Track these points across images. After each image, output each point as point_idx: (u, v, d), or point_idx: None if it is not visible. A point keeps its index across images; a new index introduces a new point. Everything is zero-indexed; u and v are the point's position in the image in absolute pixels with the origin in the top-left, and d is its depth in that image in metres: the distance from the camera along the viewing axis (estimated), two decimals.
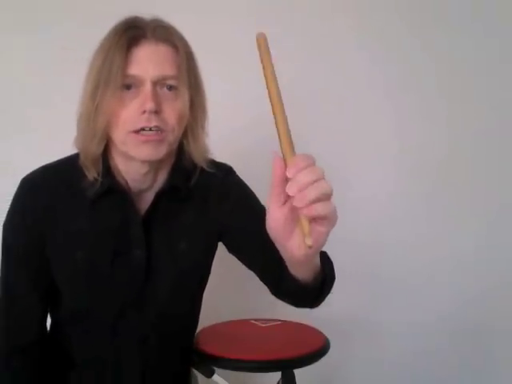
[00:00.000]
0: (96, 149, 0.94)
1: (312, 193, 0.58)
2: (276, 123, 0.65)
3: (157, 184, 1.00)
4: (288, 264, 0.76)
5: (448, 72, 1.96)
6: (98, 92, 0.90)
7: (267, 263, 0.95)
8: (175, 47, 0.92)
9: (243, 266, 1.52)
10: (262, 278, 1.06)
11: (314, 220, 0.60)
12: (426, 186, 1.95)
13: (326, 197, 0.59)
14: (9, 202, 1.76)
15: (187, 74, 0.92)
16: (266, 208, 0.66)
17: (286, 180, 0.60)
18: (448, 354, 1.95)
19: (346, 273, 1.94)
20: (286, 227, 0.63)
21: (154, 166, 0.97)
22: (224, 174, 1.08)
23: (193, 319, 1.17)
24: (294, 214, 0.62)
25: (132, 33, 0.90)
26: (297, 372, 1.16)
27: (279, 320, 1.36)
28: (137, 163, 0.95)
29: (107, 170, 0.97)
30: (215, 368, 1.21)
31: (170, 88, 0.91)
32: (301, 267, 0.77)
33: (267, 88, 0.70)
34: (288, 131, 0.63)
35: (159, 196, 0.99)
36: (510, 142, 1.99)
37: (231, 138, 1.68)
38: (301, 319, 1.35)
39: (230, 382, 1.24)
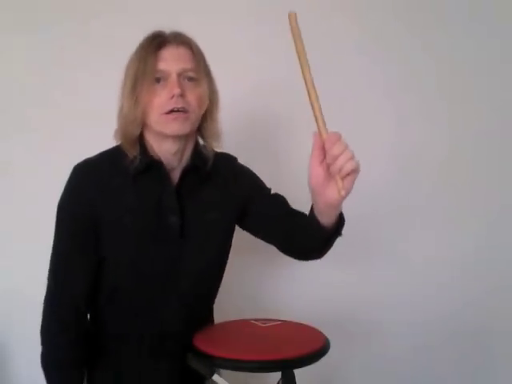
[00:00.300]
0: (136, 130, 1.17)
1: (343, 158, 0.91)
2: (313, 110, 0.94)
3: (182, 163, 1.22)
4: (321, 212, 1.05)
5: (448, 72, 1.96)
6: (137, 86, 1.13)
7: (285, 227, 1.25)
8: (191, 49, 1.17)
9: (242, 267, 1.52)
10: (282, 242, 1.30)
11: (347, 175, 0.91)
12: (426, 187, 1.95)
13: (353, 158, 0.91)
14: (8, 201, 1.76)
15: (203, 69, 1.18)
16: (308, 166, 0.97)
17: (323, 148, 0.93)
18: (448, 354, 1.95)
19: (347, 273, 1.94)
20: (325, 180, 0.95)
21: (182, 144, 1.20)
22: (233, 160, 1.34)
23: (213, 287, 1.34)
24: (328, 171, 0.94)
25: (158, 40, 1.16)
26: (297, 372, 1.16)
27: (279, 320, 1.35)
28: (168, 142, 1.18)
29: (144, 150, 1.19)
30: (215, 368, 1.20)
31: (191, 79, 1.15)
32: (333, 211, 1.05)
33: (303, 76, 0.98)
34: (321, 114, 0.94)
35: (185, 172, 1.21)
36: (511, 143, 1.99)
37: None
38: (301, 319, 1.35)
39: (230, 382, 1.24)
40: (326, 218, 1.07)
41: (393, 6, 1.93)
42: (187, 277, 1.23)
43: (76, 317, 1.20)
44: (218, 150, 1.29)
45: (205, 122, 1.21)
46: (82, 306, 1.21)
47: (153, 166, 1.19)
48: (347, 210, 1.90)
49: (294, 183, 1.52)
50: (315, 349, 1.15)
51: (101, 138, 1.78)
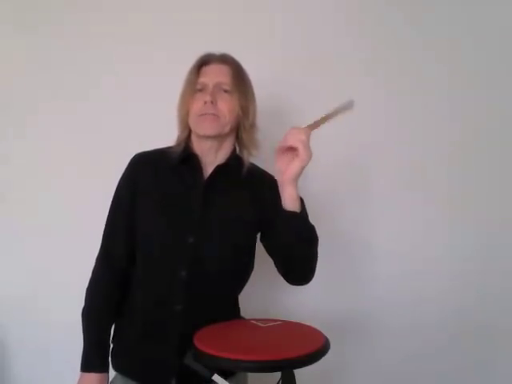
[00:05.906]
0: (183, 130, 1.41)
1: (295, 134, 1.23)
2: None
3: (216, 160, 1.40)
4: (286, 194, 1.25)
5: (451, 73, 1.96)
6: (185, 94, 1.39)
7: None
8: (231, 67, 1.39)
9: None
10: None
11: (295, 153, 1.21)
12: (426, 186, 1.95)
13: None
14: (7, 200, 1.74)
15: (238, 84, 1.38)
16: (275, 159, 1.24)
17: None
18: (448, 353, 1.95)
19: (346, 273, 1.94)
20: (288, 161, 1.23)
21: (215, 143, 1.39)
22: (272, 178, 1.37)
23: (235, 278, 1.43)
24: (289, 158, 1.22)
25: (205, 58, 1.41)
26: (297, 372, 1.16)
27: (279, 320, 1.35)
28: (202, 140, 1.39)
29: (187, 146, 1.42)
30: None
31: (226, 91, 1.37)
32: (294, 188, 1.24)
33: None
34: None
35: (218, 169, 1.38)
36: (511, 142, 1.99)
37: None
38: (301, 319, 1.35)
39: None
40: (293, 205, 1.25)
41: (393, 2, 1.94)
42: (201, 262, 1.33)
43: (120, 268, 1.38)
44: (253, 158, 1.42)
45: (239, 131, 1.42)
46: (125, 260, 1.38)
47: (190, 158, 1.39)
48: (347, 211, 1.91)
49: None
50: (315, 349, 1.15)
51: (101, 136, 1.79)
